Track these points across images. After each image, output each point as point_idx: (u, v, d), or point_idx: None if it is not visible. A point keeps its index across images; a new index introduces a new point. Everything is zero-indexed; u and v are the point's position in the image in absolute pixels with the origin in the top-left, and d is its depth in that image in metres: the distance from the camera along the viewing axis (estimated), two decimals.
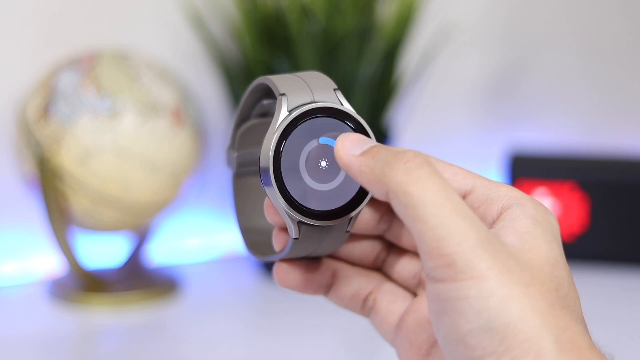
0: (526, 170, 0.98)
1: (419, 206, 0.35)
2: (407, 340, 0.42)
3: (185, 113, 0.84)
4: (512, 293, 0.34)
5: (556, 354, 0.34)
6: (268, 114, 0.45)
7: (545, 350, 0.34)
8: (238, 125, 0.46)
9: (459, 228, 0.35)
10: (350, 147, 0.39)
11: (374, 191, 0.37)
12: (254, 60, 0.89)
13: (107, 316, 0.83)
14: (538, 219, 0.38)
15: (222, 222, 0.99)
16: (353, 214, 0.41)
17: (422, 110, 1.06)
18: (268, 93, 0.43)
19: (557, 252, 0.37)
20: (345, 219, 0.41)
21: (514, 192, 0.39)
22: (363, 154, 0.38)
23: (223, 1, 0.94)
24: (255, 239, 0.46)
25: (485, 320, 0.34)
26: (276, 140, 0.40)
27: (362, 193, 0.41)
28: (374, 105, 0.92)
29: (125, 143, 0.80)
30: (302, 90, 0.41)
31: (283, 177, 0.40)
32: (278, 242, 0.42)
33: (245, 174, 0.47)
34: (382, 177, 0.37)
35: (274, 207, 0.41)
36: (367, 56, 0.89)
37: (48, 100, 0.81)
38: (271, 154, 0.40)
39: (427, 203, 0.35)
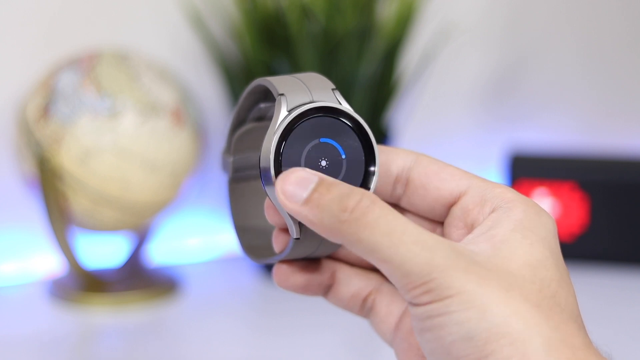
0: (526, 170, 0.98)
1: (378, 250, 0.36)
2: (406, 342, 0.42)
3: (185, 113, 0.84)
4: (492, 300, 0.34)
5: (544, 354, 0.34)
6: (265, 118, 0.45)
7: (532, 350, 0.34)
8: (234, 129, 0.46)
9: (423, 258, 0.35)
10: (293, 194, 0.37)
11: (332, 240, 0.37)
12: (254, 60, 0.89)
13: (107, 316, 0.83)
14: (522, 223, 0.37)
15: (222, 222, 0.99)
16: None
17: (422, 110, 1.06)
18: (266, 96, 0.43)
19: (539, 253, 0.37)
20: None
21: (508, 194, 0.39)
22: (307, 202, 0.37)
23: (223, 1, 0.94)
24: (253, 242, 0.46)
25: (466, 330, 0.34)
26: (277, 140, 0.40)
27: None
28: (374, 105, 0.92)
29: (125, 143, 0.80)
30: (300, 91, 0.41)
31: None
32: (278, 243, 0.42)
33: (242, 179, 0.47)
34: (333, 232, 0.37)
35: (275, 208, 0.41)
36: (367, 56, 0.89)
37: (48, 100, 0.81)
38: (272, 154, 0.40)
39: (383, 245, 0.35)
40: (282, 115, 0.40)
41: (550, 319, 0.35)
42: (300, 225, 0.40)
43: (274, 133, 0.40)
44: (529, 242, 0.37)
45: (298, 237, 0.40)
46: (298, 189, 0.37)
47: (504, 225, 0.37)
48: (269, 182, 0.40)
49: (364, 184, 0.41)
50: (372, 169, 0.41)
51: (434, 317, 0.35)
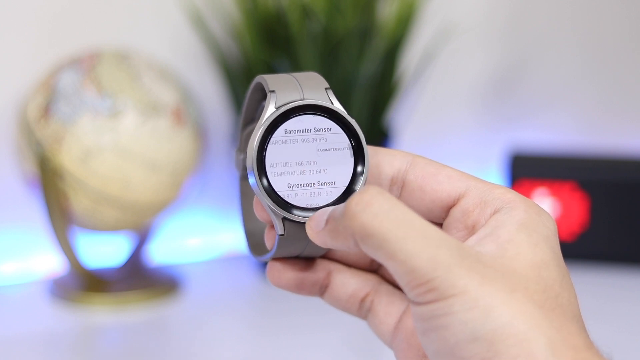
0: (526, 170, 0.98)
1: (385, 245, 0.35)
2: (405, 342, 0.42)
3: (186, 113, 0.84)
4: (496, 301, 0.34)
5: (549, 355, 0.34)
6: None
7: (537, 351, 0.34)
8: (244, 127, 0.46)
9: (429, 254, 0.35)
10: (317, 225, 0.39)
11: (349, 248, 0.37)
12: (254, 60, 0.89)
13: (108, 315, 0.83)
14: (525, 223, 0.37)
15: (223, 222, 0.99)
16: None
17: (423, 110, 1.06)
18: (266, 93, 0.44)
19: (544, 254, 0.37)
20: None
21: (508, 195, 0.39)
22: (326, 223, 0.38)
23: (223, 1, 0.94)
24: (258, 240, 0.46)
25: (471, 330, 0.34)
26: (260, 136, 0.40)
27: (349, 192, 0.41)
28: (374, 105, 0.92)
29: (125, 143, 0.80)
30: (292, 88, 0.41)
31: (267, 173, 0.40)
32: (268, 240, 0.43)
33: None
34: (345, 230, 0.36)
35: (262, 205, 0.41)
36: (367, 56, 0.89)
37: (49, 99, 0.81)
38: (255, 150, 0.40)
39: (391, 239, 0.35)
40: (269, 112, 0.40)
41: (553, 319, 0.35)
42: (284, 222, 0.40)
43: (258, 129, 0.40)
44: (534, 243, 0.37)
45: (282, 233, 0.40)
46: (320, 219, 0.39)
47: (508, 226, 0.37)
48: (252, 178, 0.40)
49: (351, 184, 0.41)
50: (360, 169, 0.41)
51: (438, 317, 0.35)
